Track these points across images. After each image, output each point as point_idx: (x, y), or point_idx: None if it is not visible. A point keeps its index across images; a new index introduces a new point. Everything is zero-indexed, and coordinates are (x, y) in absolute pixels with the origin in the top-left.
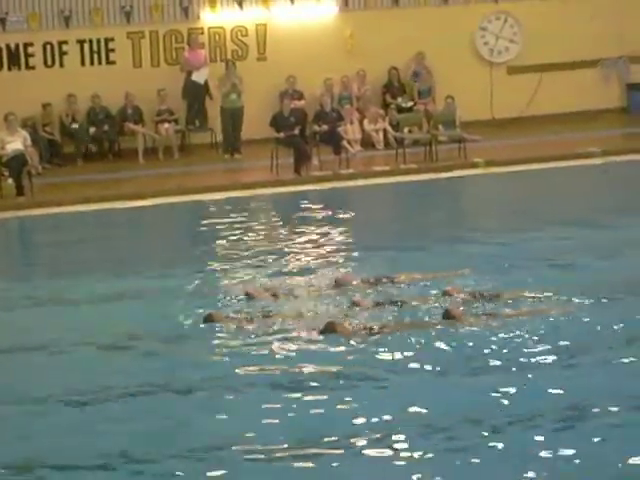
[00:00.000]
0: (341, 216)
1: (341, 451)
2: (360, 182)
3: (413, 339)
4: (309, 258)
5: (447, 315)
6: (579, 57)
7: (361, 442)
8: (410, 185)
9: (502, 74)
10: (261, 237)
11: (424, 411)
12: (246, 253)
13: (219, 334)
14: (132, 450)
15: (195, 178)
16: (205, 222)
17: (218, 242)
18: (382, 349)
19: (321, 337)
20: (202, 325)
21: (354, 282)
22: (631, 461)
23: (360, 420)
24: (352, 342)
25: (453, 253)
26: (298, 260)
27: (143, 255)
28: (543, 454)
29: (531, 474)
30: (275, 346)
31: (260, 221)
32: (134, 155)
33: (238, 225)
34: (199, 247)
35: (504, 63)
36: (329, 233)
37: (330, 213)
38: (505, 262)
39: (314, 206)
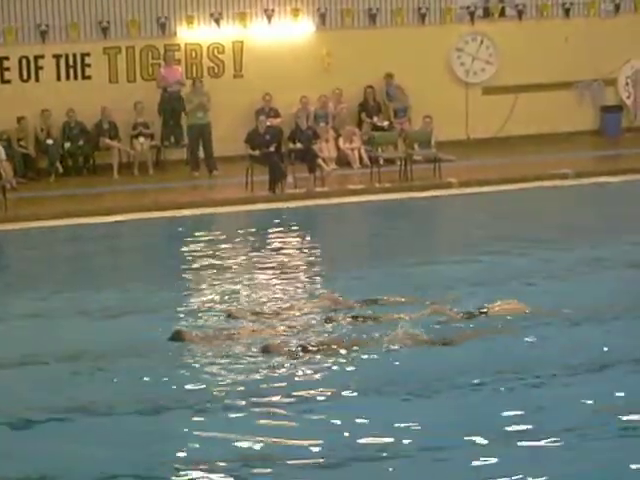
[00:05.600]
0: (315, 234)
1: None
2: (334, 200)
3: (361, 357)
4: (282, 276)
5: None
6: (554, 79)
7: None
8: (384, 204)
9: (478, 95)
10: (235, 254)
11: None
12: (219, 270)
13: (185, 352)
14: (93, 467)
15: (170, 194)
16: (179, 239)
17: (191, 259)
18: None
19: (266, 356)
20: (169, 342)
21: (339, 301)
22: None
23: (314, 439)
24: (291, 362)
25: (426, 273)
26: (271, 278)
27: (116, 271)
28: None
29: None
30: (236, 364)
31: (234, 238)
32: (109, 170)
33: (212, 242)
34: (172, 264)
35: (480, 84)
36: (302, 251)
37: (304, 231)
38: (480, 282)
39: (288, 224)
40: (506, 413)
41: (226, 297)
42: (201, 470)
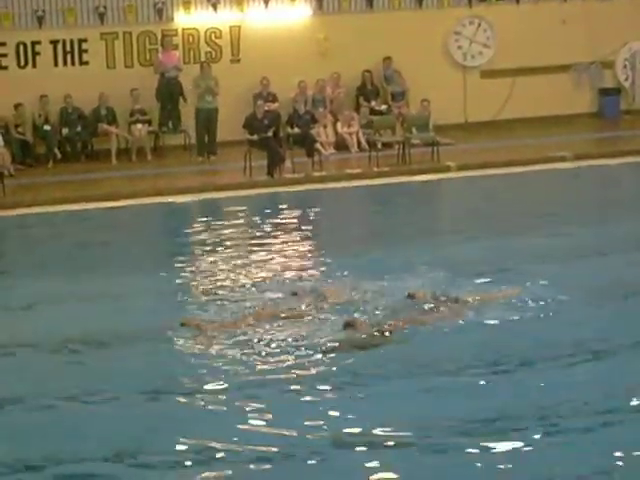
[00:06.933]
0: (313, 219)
1: (325, 453)
2: (333, 185)
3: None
4: (280, 261)
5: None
6: (552, 62)
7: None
8: (382, 188)
9: (475, 78)
10: (234, 239)
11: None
12: (219, 255)
13: (189, 338)
14: (104, 451)
15: (168, 180)
16: (178, 224)
17: (191, 244)
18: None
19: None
20: (165, 328)
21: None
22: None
23: (347, 422)
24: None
25: (424, 256)
26: (270, 262)
27: (115, 257)
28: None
29: None
30: (243, 349)
31: (233, 223)
32: (107, 156)
33: (211, 227)
34: (172, 249)
35: (477, 67)
36: (300, 236)
37: (302, 216)
38: (473, 266)
39: (287, 208)
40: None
41: (227, 282)
42: (203, 454)
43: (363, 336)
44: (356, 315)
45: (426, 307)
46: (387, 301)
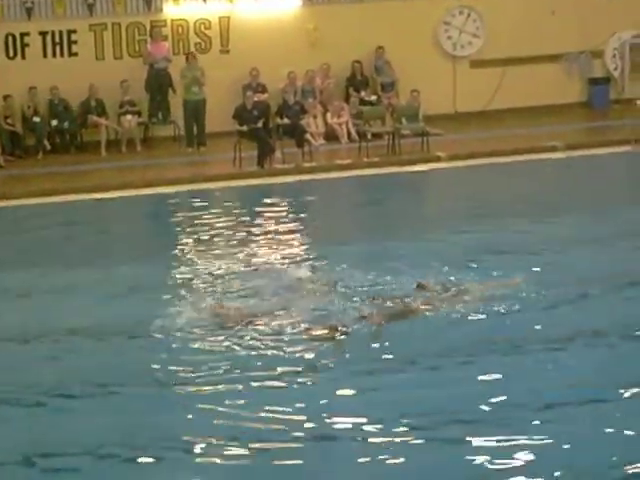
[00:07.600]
0: (303, 209)
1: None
2: (323, 175)
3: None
4: (271, 252)
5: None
6: (541, 52)
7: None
8: (372, 179)
9: (465, 68)
10: (224, 230)
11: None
12: (209, 246)
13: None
14: (106, 444)
15: (158, 171)
16: (168, 215)
17: (181, 235)
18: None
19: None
20: (157, 320)
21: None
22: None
23: (347, 413)
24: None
25: (415, 246)
26: (260, 253)
27: (105, 248)
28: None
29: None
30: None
31: (223, 214)
32: (96, 148)
33: (201, 218)
34: (161, 241)
35: (467, 57)
36: (291, 227)
37: (293, 206)
38: (466, 256)
39: (277, 199)
40: None
41: (217, 273)
42: (200, 448)
43: (374, 327)
44: (362, 306)
45: (435, 297)
46: (391, 291)
